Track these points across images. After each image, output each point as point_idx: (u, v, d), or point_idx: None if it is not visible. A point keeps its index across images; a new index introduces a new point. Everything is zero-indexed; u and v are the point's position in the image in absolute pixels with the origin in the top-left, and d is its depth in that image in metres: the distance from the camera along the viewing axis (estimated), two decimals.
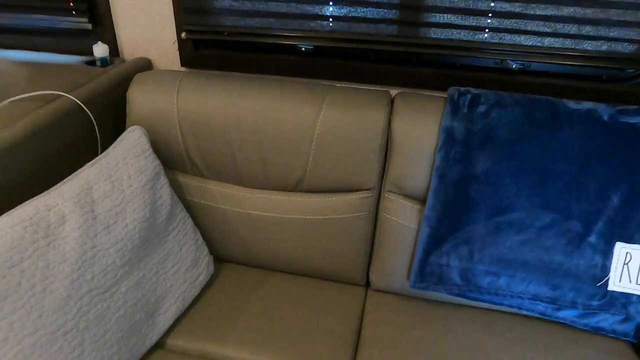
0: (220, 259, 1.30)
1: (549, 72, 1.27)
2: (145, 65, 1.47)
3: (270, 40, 1.33)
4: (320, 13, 1.28)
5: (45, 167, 1.14)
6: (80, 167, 1.26)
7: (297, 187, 1.19)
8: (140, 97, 1.23)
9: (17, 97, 1.20)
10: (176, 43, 1.43)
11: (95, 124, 1.27)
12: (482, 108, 1.09)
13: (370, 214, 1.18)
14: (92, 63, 1.45)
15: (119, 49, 1.51)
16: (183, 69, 1.47)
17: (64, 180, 1.04)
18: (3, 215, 0.89)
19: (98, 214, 0.99)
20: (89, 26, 1.46)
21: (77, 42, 1.51)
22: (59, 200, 0.96)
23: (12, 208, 1.02)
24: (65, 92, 1.22)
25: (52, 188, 1.01)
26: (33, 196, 1.10)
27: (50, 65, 1.42)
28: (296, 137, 1.14)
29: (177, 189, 1.25)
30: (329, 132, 1.12)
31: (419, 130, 1.10)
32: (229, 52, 1.41)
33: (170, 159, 1.24)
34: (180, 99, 1.19)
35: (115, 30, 1.48)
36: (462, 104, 1.10)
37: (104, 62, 1.43)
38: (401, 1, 1.24)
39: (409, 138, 1.11)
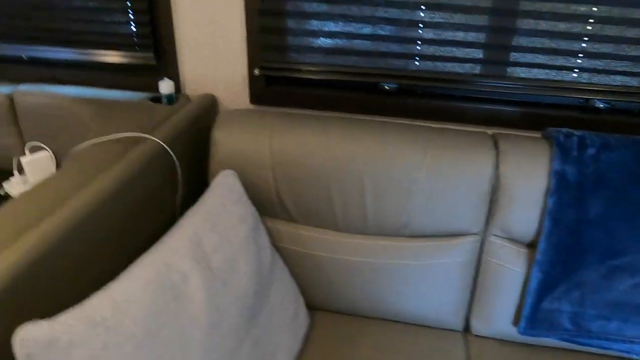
0: (312, 307, 1.23)
1: (634, 110, 1.28)
2: (211, 102, 1.41)
3: (353, 79, 1.30)
4: (407, 52, 1.26)
5: (136, 212, 1.06)
6: (164, 211, 1.19)
7: (398, 232, 1.15)
8: (228, 138, 1.17)
9: (99, 139, 1.13)
10: (246, 79, 1.38)
11: (178, 166, 1.19)
12: (591, 151, 1.08)
13: (474, 258, 1.15)
14: (156, 99, 1.38)
15: (181, 84, 1.44)
16: (251, 105, 1.42)
17: (170, 231, 0.97)
18: (125, 278, 0.82)
19: (215, 270, 0.92)
20: (154, 62, 1.40)
21: (139, 77, 1.44)
22: (176, 257, 0.89)
23: (112, 260, 0.95)
24: (147, 134, 1.15)
25: (161, 242, 0.93)
26: (129, 246, 1.03)
27: (115, 103, 1.34)
28: (400, 181, 1.10)
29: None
30: (435, 176, 1.09)
31: (528, 173, 1.09)
32: (303, 89, 1.37)
33: (258, 203, 1.18)
34: (274, 141, 1.14)
35: (179, 66, 1.42)
36: (570, 146, 1.09)
37: (170, 99, 1.36)
38: (488, 41, 1.23)
39: (517, 182, 1.09)
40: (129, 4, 1.33)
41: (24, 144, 1.48)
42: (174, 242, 0.93)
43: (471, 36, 1.23)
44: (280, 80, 1.39)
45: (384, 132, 1.13)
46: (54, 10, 1.39)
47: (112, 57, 1.41)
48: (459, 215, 1.12)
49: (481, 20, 1.21)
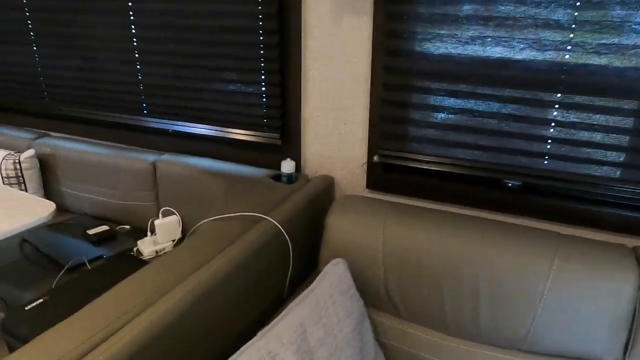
0: None
1: None
2: (328, 184, 1.44)
3: (475, 173, 1.26)
4: (535, 150, 1.19)
5: (248, 290, 1.09)
6: (273, 290, 1.21)
7: (515, 346, 1.05)
8: (342, 225, 1.18)
9: (224, 216, 1.20)
10: (365, 165, 1.41)
11: (290, 247, 1.23)
12: None
13: None
14: (276, 177, 1.45)
15: (302, 164, 1.51)
16: (367, 190, 1.43)
17: (276, 319, 0.97)
18: None
19: None
20: (279, 142, 1.48)
21: (264, 155, 1.54)
22: (280, 347, 0.89)
23: (225, 337, 0.97)
24: (266, 214, 1.21)
25: (267, 328, 0.94)
26: (239, 323, 1.06)
27: (241, 179, 1.43)
28: (521, 290, 1.01)
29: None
30: (563, 290, 0.99)
31: None
32: (421, 179, 1.35)
33: (365, 293, 1.16)
34: (387, 233, 1.13)
35: (301, 147, 1.49)
36: None
37: (290, 178, 1.42)
38: (633, 144, 1.12)
39: None
40: (264, 89, 1.44)
41: (159, 208, 1.64)
42: (280, 330, 0.93)
43: (611, 138, 1.13)
44: (398, 168, 1.39)
45: (505, 234, 1.06)
46: (200, 92, 1.55)
47: (242, 135, 1.53)
48: (589, 338, 0.99)
49: (624, 122, 1.11)
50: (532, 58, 1.12)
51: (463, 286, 1.06)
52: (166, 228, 1.56)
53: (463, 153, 1.27)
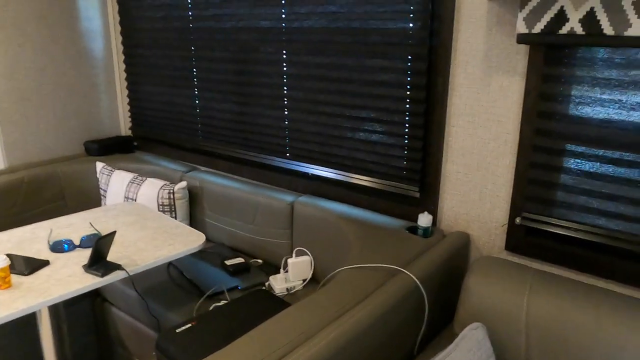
0: None
1: None
2: (464, 241, 1.41)
3: (635, 248, 1.16)
4: None
5: (381, 345, 1.09)
6: (404, 346, 1.20)
7: None
8: (481, 288, 1.14)
9: (361, 265, 1.23)
10: (505, 226, 1.36)
11: (426, 303, 1.21)
12: None
13: None
14: (412, 229, 1.45)
15: (438, 219, 1.50)
16: (505, 252, 1.38)
17: None
18: None
19: None
20: (417, 195, 1.49)
21: (400, 206, 1.55)
22: None
23: None
24: (403, 267, 1.21)
25: None
26: None
27: (375, 227, 1.46)
28: None
29: None
30: None
31: None
32: (568, 247, 1.27)
33: None
34: (532, 302, 1.07)
35: (439, 201, 1.48)
36: None
37: (426, 232, 1.42)
38: None
39: None
40: (406, 142, 1.47)
41: (291, 246, 1.72)
42: None
43: None
44: (541, 233, 1.32)
45: None
46: (342, 140, 1.63)
47: (379, 184, 1.57)
48: None
49: None
50: None
51: None
52: (298, 267, 1.63)
53: (621, 225, 1.17)
